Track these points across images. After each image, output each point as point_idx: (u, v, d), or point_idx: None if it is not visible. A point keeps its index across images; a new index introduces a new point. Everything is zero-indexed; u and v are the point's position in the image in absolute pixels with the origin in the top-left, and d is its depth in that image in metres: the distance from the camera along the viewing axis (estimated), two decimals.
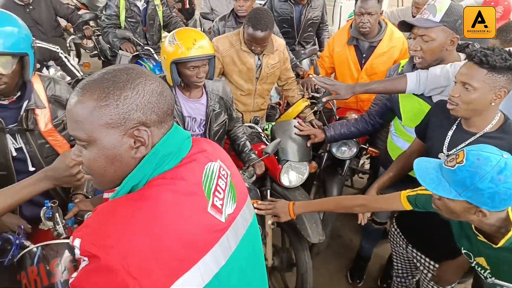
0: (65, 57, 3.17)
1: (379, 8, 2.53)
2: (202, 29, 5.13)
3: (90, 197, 1.66)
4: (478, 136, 1.48)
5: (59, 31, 3.96)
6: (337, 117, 2.75)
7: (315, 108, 2.72)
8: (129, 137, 0.77)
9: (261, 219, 1.99)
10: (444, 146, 1.56)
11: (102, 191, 1.19)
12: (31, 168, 1.57)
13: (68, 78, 3.26)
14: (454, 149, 1.53)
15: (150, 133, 0.78)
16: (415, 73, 1.76)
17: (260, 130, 2.46)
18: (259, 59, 2.48)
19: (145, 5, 3.48)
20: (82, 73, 3.22)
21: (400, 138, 2.07)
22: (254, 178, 2.14)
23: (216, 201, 0.84)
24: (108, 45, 3.77)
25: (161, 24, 3.66)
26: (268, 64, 2.50)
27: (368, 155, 2.82)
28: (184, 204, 0.78)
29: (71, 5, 4.96)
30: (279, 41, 2.60)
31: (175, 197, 0.77)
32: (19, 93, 1.50)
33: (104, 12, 3.56)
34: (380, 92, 1.94)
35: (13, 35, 1.37)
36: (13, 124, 1.50)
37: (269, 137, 2.48)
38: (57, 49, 3.15)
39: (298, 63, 3.30)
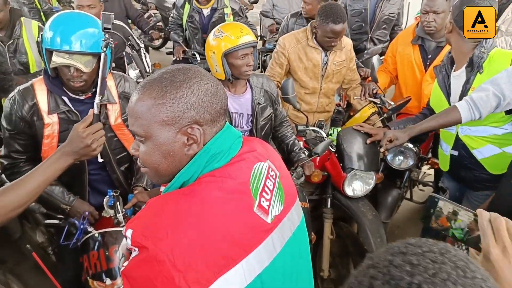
0: (144, 53, 3.31)
1: (448, 6, 2.33)
2: (261, 27, 5.13)
3: (148, 189, 1.73)
4: None
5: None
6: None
7: (385, 115, 2.54)
8: (182, 135, 0.80)
9: (311, 225, 1.90)
10: None
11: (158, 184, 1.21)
12: (100, 160, 1.64)
13: (136, 70, 3.40)
14: None
15: (203, 131, 0.81)
16: (464, 101, 1.71)
17: (325, 135, 2.35)
18: (326, 55, 2.40)
19: (210, 13, 3.40)
20: (151, 71, 3.33)
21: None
22: (303, 179, 2.07)
23: (263, 201, 0.84)
24: None
25: None
26: (335, 61, 2.44)
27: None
28: (231, 203, 0.80)
29: (143, 7, 5.22)
30: (346, 40, 2.54)
31: (223, 195, 0.79)
32: (94, 89, 1.57)
33: (173, 11, 3.72)
34: (435, 128, 1.89)
35: (94, 35, 1.45)
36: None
37: (334, 142, 2.35)
38: (142, 45, 3.32)
39: (360, 63, 3.12)
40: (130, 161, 1.78)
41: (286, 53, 2.42)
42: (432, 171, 2.95)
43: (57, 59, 1.41)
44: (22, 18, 2.60)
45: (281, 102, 2.25)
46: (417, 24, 2.54)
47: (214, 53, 1.81)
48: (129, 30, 3.15)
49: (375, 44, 3.52)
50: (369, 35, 3.47)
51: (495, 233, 0.68)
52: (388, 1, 3.35)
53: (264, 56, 4.28)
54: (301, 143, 2.33)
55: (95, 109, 1.29)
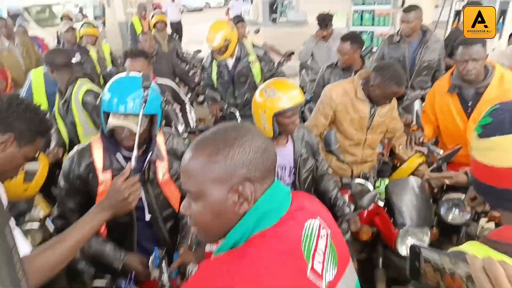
0: (189, 107, 3.47)
1: (484, 52, 2.24)
2: (300, 78, 5.22)
3: (194, 247, 1.69)
4: None
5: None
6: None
7: (434, 165, 2.41)
8: (233, 193, 0.79)
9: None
10: None
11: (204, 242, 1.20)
12: (147, 217, 1.66)
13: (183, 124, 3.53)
14: None
15: (254, 189, 0.80)
16: None
17: (371, 187, 2.24)
18: (373, 107, 2.37)
19: (234, 63, 3.29)
20: (195, 125, 3.45)
21: None
22: (348, 235, 1.97)
23: (316, 264, 0.80)
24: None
25: (256, 81, 3.35)
26: (381, 113, 2.41)
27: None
28: (283, 267, 0.76)
29: (189, 64, 5.55)
30: None
31: (275, 259, 0.76)
32: (144, 146, 1.62)
33: (203, 73, 3.73)
34: None
35: (148, 96, 1.49)
36: (137, 174, 1.61)
37: (380, 195, 2.24)
38: (187, 99, 3.54)
39: (401, 110, 3.05)
40: (176, 218, 1.78)
41: (333, 104, 2.41)
42: (492, 225, 2.70)
43: (113, 121, 1.48)
44: (79, 80, 2.72)
45: (322, 154, 2.21)
46: (452, 73, 2.48)
47: (265, 112, 1.82)
48: (176, 88, 3.31)
49: (415, 91, 3.46)
50: (409, 82, 3.43)
51: (494, 284, 0.56)
52: (427, 48, 3.33)
53: (302, 108, 4.31)
54: (347, 196, 2.25)
55: (133, 163, 1.31)
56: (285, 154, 1.99)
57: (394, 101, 2.52)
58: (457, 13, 6.15)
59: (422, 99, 3.39)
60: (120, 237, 1.67)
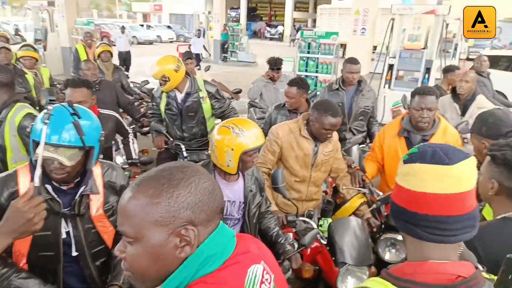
0: (132, 139, 3.32)
1: (437, 103, 2.49)
2: (248, 115, 5.34)
3: None
4: None
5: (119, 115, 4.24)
6: (385, 213, 2.52)
7: (374, 206, 2.52)
8: (175, 236, 0.75)
9: None
10: None
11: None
12: (74, 253, 1.54)
13: (123, 157, 3.36)
14: None
15: (197, 232, 0.77)
16: None
17: (315, 226, 2.28)
18: (316, 145, 2.48)
19: (184, 97, 3.23)
20: (137, 157, 3.31)
21: None
22: (290, 273, 1.96)
23: None
24: None
25: (206, 117, 3.32)
26: (324, 151, 2.52)
27: None
28: None
29: (135, 94, 5.40)
30: (333, 133, 2.61)
31: None
32: (77, 179, 1.53)
33: (151, 103, 3.61)
34: None
35: (84, 128, 1.42)
36: (66, 208, 1.51)
37: (323, 233, 2.28)
38: (131, 130, 3.36)
39: (344, 152, 3.22)
40: (107, 256, 1.65)
41: (279, 141, 2.50)
42: None
43: (42, 152, 1.37)
44: (18, 103, 2.46)
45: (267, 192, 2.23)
46: (403, 118, 2.68)
47: (232, 149, 1.82)
48: (120, 118, 3.18)
49: (354, 134, 3.70)
50: (348, 126, 3.67)
51: None
52: (363, 95, 3.62)
53: None
54: (291, 234, 2.25)
55: (36, 182, 1.20)
56: (236, 189, 2.00)
57: (338, 143, 2.65)
58: (390, 67, 6.79)
59: (361, 143, 3.61)
60: (43, 273, 1.51)
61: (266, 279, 0.84)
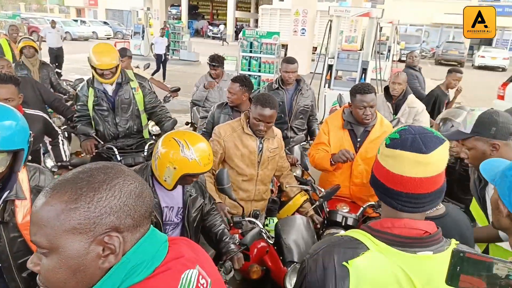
0: (62, 140, 3.04)
1: (376, 100, 2.61)
2: (192, 114, 5.23)
3: None
4: None
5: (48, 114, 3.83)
6: (328, 209, 2.60)
7: (317, 203, 2.57)
8: (97, 245, 0.69)
9: None
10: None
11: None
12: None
13: (53, 159, 3.08)
14: None
15: (122, 239, 0.71)
16: None
17: (261, 226, 2.26)
18: (260, 142, 2.47)
19: (115, 88, 3.06)
20: (68, 159, 3.04)
21: None
22: (232, 274, 1.91)
23: None
24: None
25: (140, 109, 3.18)
26: (269, 148, 2.51)
27: None
28: None
29: (68, 93, 4.98)
30: (277, 130, 2.67)
31: None
32: (1, 185, 1.40)
33: (76, 104, 3.27)
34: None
35: (10, 129, 1.31)
36: None
37: (270, 233, 2.27)
38: (60, 130, 3.05)
39: (287, 151, 3.26)
40: None
41: (221, 141, 2.45)
42: None
43: None
44: None
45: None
46: (343, 110, 2.77)
47: (174, 168, 1.69)
48: (47, 118, 2.89)
49: (294, 132, 3.77)
50: (289, 124, 3.73)
51: None
52: (302, 94, 3.70)
53: None
54: (237, 235, 2.22)
55: None
56: (174, 195, 1.90)
57: (282, 141, 2.66)
58: (329, 67, 7.06)
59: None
60: None
61: (202, 284, 0.80)
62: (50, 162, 3.11)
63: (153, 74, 10.53)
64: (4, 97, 2.39)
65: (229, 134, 2.47)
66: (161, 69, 11.26)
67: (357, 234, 0.97)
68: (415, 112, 3.88)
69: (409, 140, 0.93)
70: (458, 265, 0.77)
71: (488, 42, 24.41)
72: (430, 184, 0.92)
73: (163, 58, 11.28)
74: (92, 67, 2.92)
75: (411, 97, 4.03)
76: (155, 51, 11.34)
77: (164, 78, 10.83)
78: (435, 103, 4.69)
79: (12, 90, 2.44)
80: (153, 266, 0.73)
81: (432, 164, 0.91)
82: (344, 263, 0.92)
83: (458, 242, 0.98)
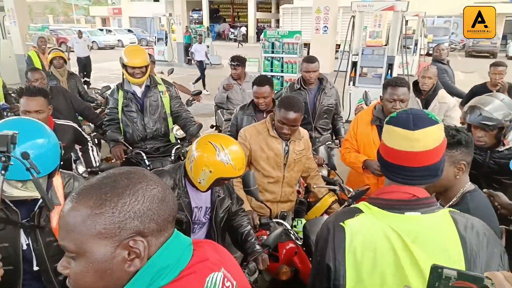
0: (91, 146, 3.15)
1: (409, 95, 2.53)
2: (216, 117, 5.27)
3: None
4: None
5: (78, 124, 3.94)
6: None
7: (346, 204, 2.52)
8: (123, 249, 0.70)
9: None
10: None
11: None
12: (35, 268, 1.48)
13: (83, 166, 3.19)
14: None
15: (147, 243, 0.72)
16: None
17: (289, 227, 2.24)
18: (286, 145, 2.44)
19: (144, 90, 3.17)
20: (98, 165, 3.14)
21: None
22: (256, 275, 1.91)
23: None
24: None
25: (167, 112, 3.28)
26: (295, 150, 2.48)
27: None
28: None
29: (96, 101, 5.14)
30: (303, 131, 2.63)
31: None
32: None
33: (106, 107, 3.34)
34: None
35: (43, 147, 1.38)
36: (25, 219, 1.45)
37: (298, 234, 2.25)
38: (90, 137, 3.17)
39: (313, 151, 3.21)
40: None
41: (247, 144, 2.44)
42: None
43: (13, 191, 1.34)
44: None
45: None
46: (375, 107, 2.71)
47: (210, 171, 1.74)
48: (77, 127, 2.98)
49: (319, 133, 3.70)
50: (313, 125, 3.66)
51: None
52: (325, 94, 3.61)
53: None
54: (266, 237, 2.20)
55: None
56: (203, 195, 1.94)
57: (309, 142, 2.62)
58: (354, 64, 6.93)
59: None
60: None
61: (227, 287, 0.80)
62: (81, 168, 3.21)
63: (196, 82, 10.68)
64: (35, 109, 2.48)
65: (255, 137, 2.45)
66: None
67: (359, 204, 1.11)
68: (446, 108, 3.71)
69: (402, 118, 1.05)
70: (436, 280, 0.78)
71: None
72: (418, 159, 1.03)
73: (204, 65, 11.28)
74: (124, 66, 3.04)
75: (442, 92, 3.86)
76: (196, 58, 11.43)
77: (204, 85, 10.88)
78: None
79: (41, 103, 2.51)
80: (178, 269, 0.74)
81: (418, 140, 1.02)
82: (341, 223, 1.07)
83: (453, 209, 1.08)
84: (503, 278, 0.77)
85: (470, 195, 1.49)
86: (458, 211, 1.09)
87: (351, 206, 1.12)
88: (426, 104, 3.95)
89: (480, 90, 4.12)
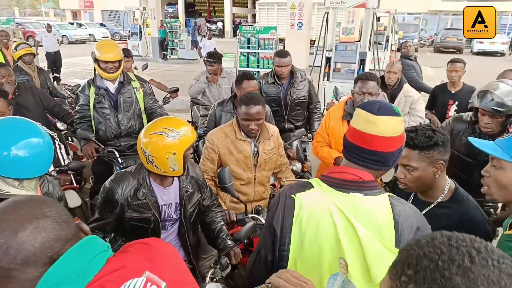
0: (58, 144, 3.07)
1: (378, 90, 2.59)
2: (192, 113, 5.25)
3: None
4: (432, 206, 1.58)
5: (47, 122, 3.76)
6: None
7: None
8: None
9: None
10: None
11: None
12: None
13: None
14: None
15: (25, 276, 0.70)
16: None
17: (264, 221, 2.26)
18: (255, 146, 2.44)
19: (118, 86, 3.12)
20: (65, 163, 3.08)
21: None
22: (229, 269, 1.93)
23: None
24: None
25: (141, 109, 3.24)
26: (265, 150, 2.48)
27: None
28: None
29: (67, 97, 5.00)
30: (272, 128, 2.63)
31: None
32: None
33: (77, 105, 3.26)
34: None
35: (39, 146, 1.39)
36: None
37: None
38: (55, 135, 3.08)
39: (287, 145, 3.26)
40: None
41: (215, 148, 2.44)
42: None
43: (9, 189, 1.34)
44: None
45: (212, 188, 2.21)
46: (346, 102, 2.77)
47: (174, 154, 1.75)
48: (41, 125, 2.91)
49: (292, 124, 3.77)
50: (286, 117, 3.73)
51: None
52: (295, 87, 3.67)
53: (196, 142, 4.26)
54: None
55: None
56: (171, 192, 1.95)
57: (280, 139, 2.64)
58: (328, 59, 7.04)
59: None
60: None
61: None
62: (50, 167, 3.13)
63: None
64: None
65: (222, 141, 2.43)
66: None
67: (312, 180, 1.21)
68: (411, 101, 3.87)
69: (370, 104, 1.16)
70: None
71: None
72: (373, 142, 1.11)
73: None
74: (96, 61, 2.97)
75: (406, 86, 4.02)
76: (203, 54, 11.23)
77: None
78: (435, 102, 4.23)
79: (1, 104, 2.44)
80: (83, 282, 0.72)
81: (377, 125, 1.11)
82: (292, 195, 1.17)
83: (392, 195, 1.16)
84: (281, 280, 0.95)
85: (458, 189, 1.58)
86: (397, 197, 1.18)
87: (306, 181, 1.22)
88: (392, 98, 4.08)
89: (440, 90, 4.16)
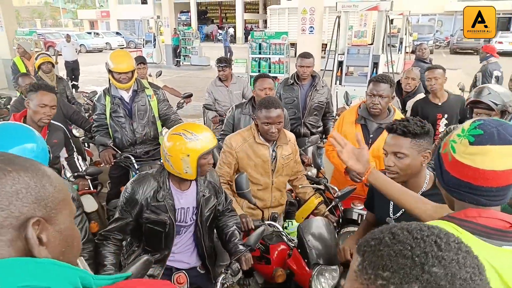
0: (77, 156, 3.16)
1: (391, 92, 2.55)
2: (205, 119, 5.28)
3: None
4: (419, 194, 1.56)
5: (68, 128, 3.92)
6: (342, 208, 2.59)
7: (333, 203, 2.57)
8: None
9: None
10: (390, 211, 1.73)
11: None
12: None
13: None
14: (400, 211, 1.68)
15: None
16: None
17: (281, 228, 2.26)
18: (273, 150, 2.44)
19: (132, 95, 3.16)
20: (83, 168, 3.14)
21: None
22: (239, 275, 1.91)
23: None
24: None
25: (156, 116, 3.27)
26: (283, 155, 2.47)
27: None
28: None
29: (84, 105, 5.11)
30: (290, 134, 2.63)
31: None
32: None
33: (94, 113, 3.32)
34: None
35: (32, 151, 1.37)
36: None
37: (290, 235, 2.27)
38: (74, 148, 3.18)
39: (302, 151, 3.25)
40: None
41: (233, 152, 2.43)
42: None
43: None
44: None
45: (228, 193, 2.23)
46: (360, 106, 2.73)
47: (188, 156, 1.78)
48: (66, 131, 2.99)
49: (308, 129, 3.74)
50: (302, 120, 3.70)
51: None
52: (317, 91, 3.66)
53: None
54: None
55: None
56: (188, 196, 1.97)
57: (296, 146, 2.62)
58: (340, 63, 6.99)
59: None
60: None
61: None
62: (68, 173, 3.21)
63: None
64: (50, 104, 2.59)
65: (241, 145, 2.43)
66: None
67: (444, 224, 0.95)
68: None
69: (495, 134, 0.92)
70: None
71: (506, 27, 23.73)
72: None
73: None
74: (110, 72, 3.03)
75: (420, 96, 3.88)
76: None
77: None
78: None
79: (55, 98, 2.63)
80: None
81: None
82: None
83: None
84: None
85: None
86: None
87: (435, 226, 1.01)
88: (403, 105, 4.03)
89: (422, 105, 3.54)
